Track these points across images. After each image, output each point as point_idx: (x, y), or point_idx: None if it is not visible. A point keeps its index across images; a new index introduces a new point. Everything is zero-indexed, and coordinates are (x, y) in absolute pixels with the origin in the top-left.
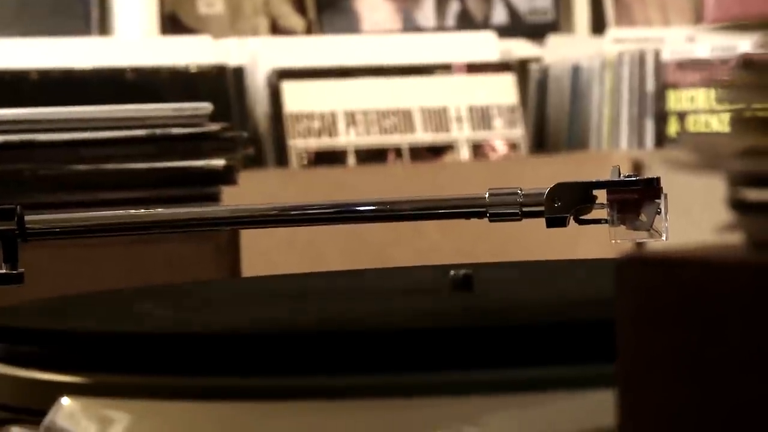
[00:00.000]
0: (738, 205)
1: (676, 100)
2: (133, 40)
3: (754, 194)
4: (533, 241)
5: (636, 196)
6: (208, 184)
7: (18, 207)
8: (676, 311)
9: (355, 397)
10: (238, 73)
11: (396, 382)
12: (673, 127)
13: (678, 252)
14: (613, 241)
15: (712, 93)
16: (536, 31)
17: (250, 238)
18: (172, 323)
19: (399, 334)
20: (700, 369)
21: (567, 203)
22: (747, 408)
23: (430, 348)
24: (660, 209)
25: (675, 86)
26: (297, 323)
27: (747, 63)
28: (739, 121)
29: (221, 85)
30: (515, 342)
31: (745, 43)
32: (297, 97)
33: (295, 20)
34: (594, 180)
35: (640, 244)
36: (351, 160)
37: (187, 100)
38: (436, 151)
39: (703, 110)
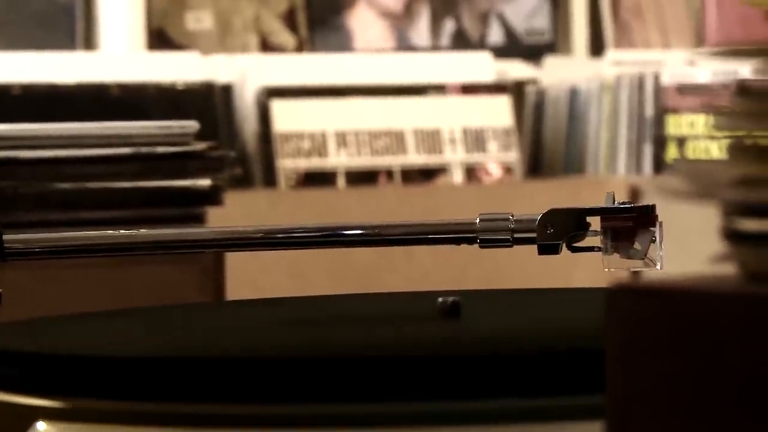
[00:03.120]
0: (732, 235)
1: (676, 125)
2: (119, 55)
3: (748, 224)
4: (528, 268)
5: (630, 224)
6: (194, 204)
7: None
8: (668, 343)
9: (335, 427)
10: (227, 90)
11: (375, 412)
12: (672, 153)
13: (670, 282)
14: (607, 270)
15: (710, 119)
16: (533, 52)
17: (235, 261)
18: (151, 348)
19: (376, 362)
20: (693, 402)
21: (560, 230)
22: None
23: (410, 377)
24: (655, 237)
25: (674, 111)
26: (278, 350)
27: (743, 90)
28: (734, 149)
29: (209, 103)
30: (499, 372)
31: (746, 68)
32: (286, 116)
33: (286, 37)
34: (588, 207)
35: (633, 273)
36: (341, 181)
37: (173, 118)
38: (428, 174)
39: (703, 136)
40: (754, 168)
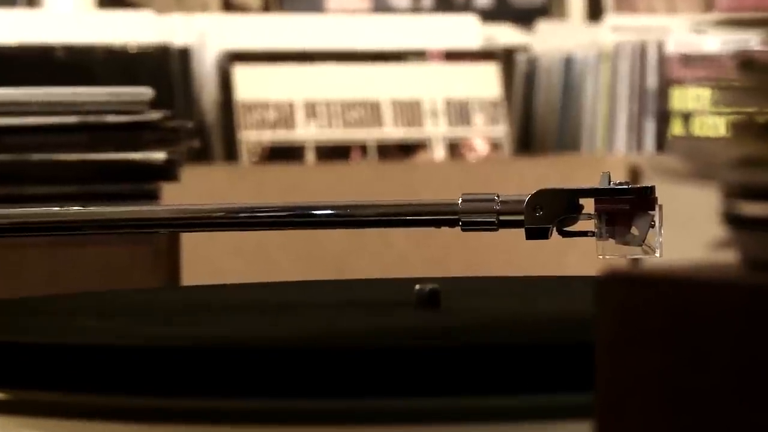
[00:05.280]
0: (733, 220)
1: (681, 99)
2: (65, 14)
3: (750, 208)
4: (514, 254)
5: (627, 207)
6: (147, 179)
7: None
8: (661, 335)
9: (304, 423)
10: (184, 54)
11: (344, 407)
12: (676, 129)
13: (664, 270)
14: (601, 257)
15: (712, 94)
16: (524, 16)
17: (192, 243)
18: (95, 335)
19: (346, 354)
20: (688, 398)
21: (550, 212)
22: None
23: (383, 370)
24: (654, 222)
25: (679, 83)
26: (239, 341)
27: (748, 63)
28: (737, 127)
29: (164, 68)
30: (479, 366)
31: (758, 39)
32: (250, 83)
33: None
34: (581, 187)
35: (629, 261)
36: (310, 156)
37: (125, 84)
38: (407, 150)
39: (710, 111)
40: (757, 147)
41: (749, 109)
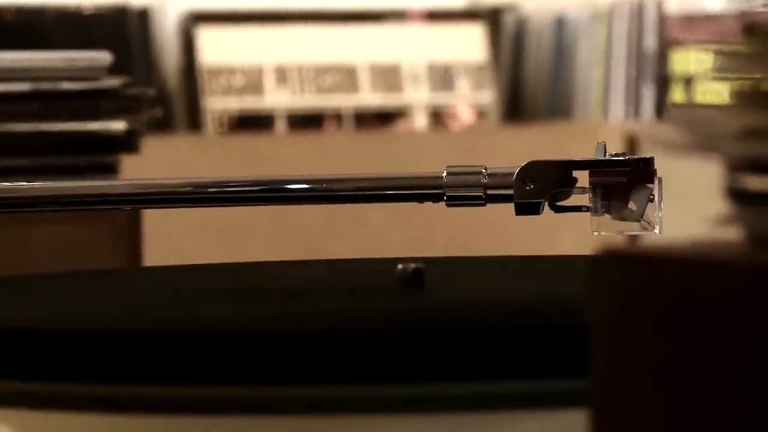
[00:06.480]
0: (736, 194)
1: (681, 62)
2: None
3: (754, 182)
4: (503, 231)
5: (624, 180)
6: (106, 151)
7: None
8: (660, 316)
9: (283, 412)
10: (143, 15)
11: (309, 396)
12: (677, 95)
13: (663, 247)
14: (596, 233)
15: (714, 60)
16: None
17: (154, 220)
18: (52, 320)
19: (320, 338)
20: (688, 384)
21: (541, 186)
22: (742, 430)
23: (362, 355)
24: (653, 196)
25: (680, 44)
26: (205, 325)
27: (751, 27)
28: (740, 95)
29: (122, 31)
30: (467, 350)
31: None
32: (215, 46)
33: None
34: (574, 159)
35: (627, 238)
36: (280, 125)
37: (80, 48)
38: (385, 118)
39: (713, 76)
40: (762, 117)
41: (753, 76)
